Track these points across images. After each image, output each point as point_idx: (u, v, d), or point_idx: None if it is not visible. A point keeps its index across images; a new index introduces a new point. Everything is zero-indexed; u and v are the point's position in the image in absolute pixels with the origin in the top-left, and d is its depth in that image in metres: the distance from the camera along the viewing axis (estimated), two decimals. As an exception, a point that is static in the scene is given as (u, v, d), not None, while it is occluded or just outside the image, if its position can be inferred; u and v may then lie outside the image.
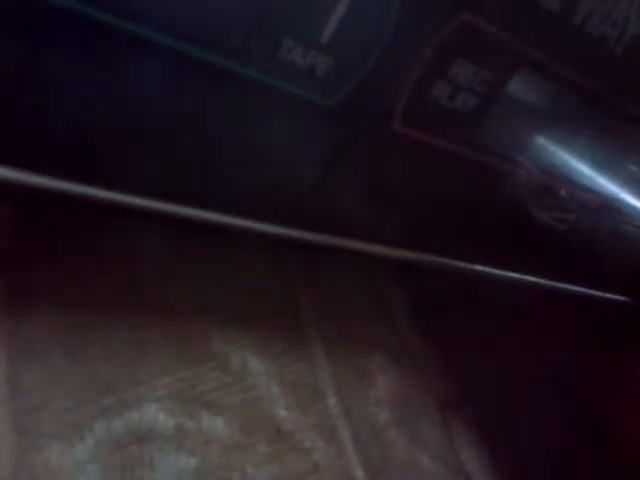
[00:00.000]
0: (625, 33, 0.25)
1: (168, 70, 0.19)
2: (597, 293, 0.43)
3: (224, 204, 0.25)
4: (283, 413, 0.28)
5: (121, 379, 0.24)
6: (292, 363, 0.29)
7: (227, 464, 0.25)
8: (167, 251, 0.28)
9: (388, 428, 0.31)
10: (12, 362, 0.22)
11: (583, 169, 0.31)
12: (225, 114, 0.21)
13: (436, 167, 0.27)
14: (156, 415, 0.24)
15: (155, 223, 0.27)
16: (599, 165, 0.31)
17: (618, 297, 0.44)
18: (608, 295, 0.44)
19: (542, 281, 0.38)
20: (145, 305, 0.26)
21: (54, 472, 0.21)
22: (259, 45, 0.20)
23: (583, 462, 0.40)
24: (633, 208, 0.34)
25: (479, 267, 0.34)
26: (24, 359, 0.22)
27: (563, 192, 0.31)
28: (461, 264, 0.33)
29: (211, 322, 0.28)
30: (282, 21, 0.19)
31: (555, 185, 0.31)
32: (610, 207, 0.34)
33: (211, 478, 0.24)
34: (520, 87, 0.25)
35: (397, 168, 0.26)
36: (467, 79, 0.24)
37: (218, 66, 0.20)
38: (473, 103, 0.24)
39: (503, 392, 0.38)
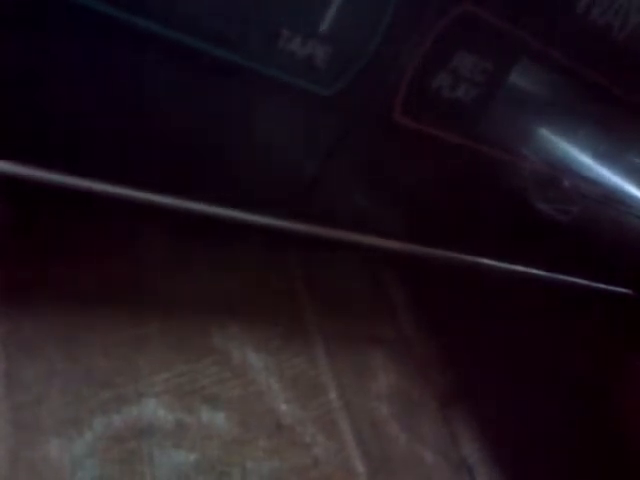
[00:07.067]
0: (627, 22, 0.24)
1: (166, 62, 0.19)
2: (599, 285, 0.42)
3: (223, 197, 0.25)
4: (283, 407, 0.27)
5: (120, 374, 0.24)
6: (292, 358, 0.29)
7: (227, 459, 0.24)
8: (167, 247, 0.28)
9: (389, 422, 0.31)
10: (10, 358, 0.22)
11: (586, 160, 0.30)
12: (224, 105, 0.21)
13: (436, 158, 0.27)
14: (155, 410, 0.24)
15: (155, 218, 0.27)
16: (602, 156, 0.31)
17: (621, 289, 0.44)
18: (610, 287, 0.43)
19: (544, 273, 0.38)
20: (144, 300, 0.26)
21: (52, 467, 0.21)
22: (257, 35, 0.19)
23: (583, 454, 0.40)
24: (636, 199, 0.34)
25: (480, 260, 0.34)
26: (22, 355, 0.22)
27: (566, 183, 0.31)
28: (462, 257, 0.33)
29: (211, 317, 0.28)
30: (280, 11, 0.19)
31: (558, 176, 0.31)
32: (613, 198, 0.34)
33: (211, 473, 0.24)
34: (522, 77, 0.25)
35: (397, 159, 0.26)
36: (467, 69, 0.23)
37: (216, 57, 0.19)
38: (474, 94, 0.24)
39: (503, 386, 0.38)
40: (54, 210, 0.25)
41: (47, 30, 0.17)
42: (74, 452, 0.21)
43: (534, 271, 0.37)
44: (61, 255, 0.25)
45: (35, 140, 0.20)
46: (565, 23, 0.24)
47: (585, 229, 0.35)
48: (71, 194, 0.21)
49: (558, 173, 0.30)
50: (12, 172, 0.20)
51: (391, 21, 0.21)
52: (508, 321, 0.41)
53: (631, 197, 0.33)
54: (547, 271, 0.38)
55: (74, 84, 0.19)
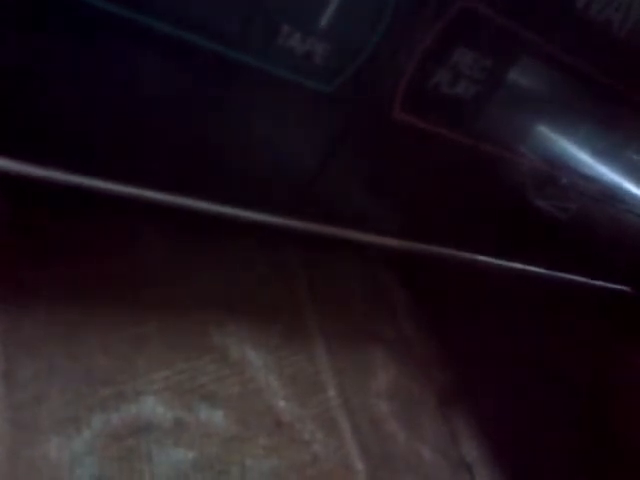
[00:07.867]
0: (628, 18, 0.24)
1: (166, 58, 0.19)
2: (598, 283, 0.42)
3: (223, 195, 0.25)
4: (282, 405, 0.27)
5: (119, 372, 0.24)
6: (291, 355, 0.29)
7: (226, 457, 0.24)
8: (166, 245, 0.28)
9: (388, 420, 0.31)
10: (9, 357, 0.22)
11: (584, 157, 0.30)
12: (223, 102, 0.21)
13: (436, 155, 0.27)
14: (154, 408, 0.24)
15: (154, 216, 0.27)
16: (601, 153, 0.31)
17: (619, 287, 0.44)
18: (609, 285, 0.43)
19: (542, 271, 0.38)
20: (144, 298, 0.26)
21: (51, 465, 0.21)
22: (257, 31, 0.19)
23: (583, 452, 0.40)
24: (635, 197, 0.34)
25: (479, 257, 0.34)
26: (22, 354, 0.22)
27: (564, 181, 0.31)
28: (461, 254, 0.33)
29: (209, 315, 0.28)
30: (280, 7, 0.19)
31: (556, 174, 0.31)
32: (611, 196, 0.34)
33: (210, 471, 0.24)
34: (522, 74, 0.25)
35: (397, 155, 0.26)
36: (467, 66, 0.23)
37: (216, 53, 0.19)
38: (474, 90, 0.24)
39: (503, 385, 0.38)
40: (54, 209, 0.25)
41: (47, 30, 0.17)
42: (73, 450, 0.21)
43: (533, 269, 0.37)
44: (61, 255, 0.25)
45: (35, 138, 0.20)
46: (565, 18, 0.24)
47: (584, 227, 0.35)
48: (71, 193, 0.21)
49: (556, 170, 0.30)
50: (11, 169, 0.20)
51: (391, 17, 0.21)
52: (508, 320, 0.41)
53: (630, 195, 0.33)
54: (546, 269, 0.38)
55: (74, 82, 0.19)
